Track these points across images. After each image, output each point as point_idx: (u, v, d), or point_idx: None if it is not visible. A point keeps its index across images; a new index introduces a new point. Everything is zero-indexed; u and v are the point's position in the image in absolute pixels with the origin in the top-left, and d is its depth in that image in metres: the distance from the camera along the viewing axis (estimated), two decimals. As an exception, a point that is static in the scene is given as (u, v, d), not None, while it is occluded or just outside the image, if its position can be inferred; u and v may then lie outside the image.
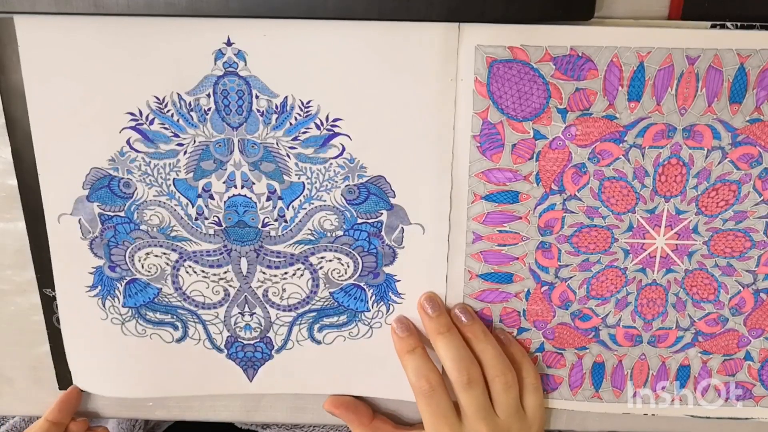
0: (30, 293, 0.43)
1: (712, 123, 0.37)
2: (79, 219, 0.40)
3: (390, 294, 0.41)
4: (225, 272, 0.41)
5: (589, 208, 0.39)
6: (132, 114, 0.37)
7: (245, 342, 0.43)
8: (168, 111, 0.37)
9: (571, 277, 0.41)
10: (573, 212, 0.39)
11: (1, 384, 0.46)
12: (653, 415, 0.44)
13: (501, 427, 0.39)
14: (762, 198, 0.39)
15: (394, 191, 0.39)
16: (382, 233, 0.40)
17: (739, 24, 0.36)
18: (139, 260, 0.41)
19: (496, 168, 0.38)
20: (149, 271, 0.41)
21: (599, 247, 0.40)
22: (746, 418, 0.44)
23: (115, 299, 0.42)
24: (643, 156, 0.38)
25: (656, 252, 0.40)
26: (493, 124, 0.37)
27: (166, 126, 0.38)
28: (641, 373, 0.43)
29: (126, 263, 0.41)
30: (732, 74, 0.36)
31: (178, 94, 0.37)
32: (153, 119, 0.38)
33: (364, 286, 0.41)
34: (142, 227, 0.40)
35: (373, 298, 0.42)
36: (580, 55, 0.36)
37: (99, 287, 0.42)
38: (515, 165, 0.38)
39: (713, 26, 0.36)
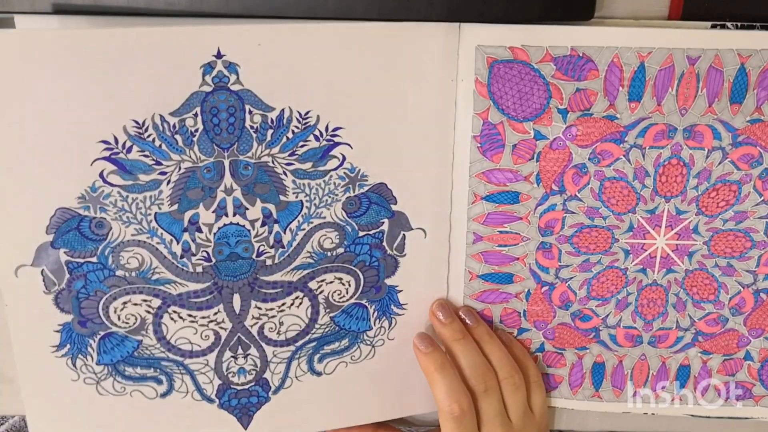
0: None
1: (712, 123, 0.37)
2: (42, 270, 0.35)
3: (392, 307, 0.41)
4: (215, 313, 0.38)
5: (589, 208, 0.39)
6: (106, 142, 0.34)
7: (239, 388, 0.40)
8: (149, 136, 0.34)
9: (571, 278, 0.41)
10: (573, 212, 0.39)
11: (1, 384, 0.45)
12: (653, 414, 0.44)
13: None
14: (762, 198, 0.39)
15: (395, 197, 0.38)
16: (384, 243, 0.39)
17: (739, 24, 0.36)
18: (115, 311, 0.37)
19: (496, 168, 0.38)
20: (127, 323, 0.37)
21: (600, 248, 0.40)
22: (746, 418, 0.44)
23: (88, 357, 0.37)
24: (643, 156, 0.38)
25: (656, 252, 0.40)
26: (494, 125, 0.37)
27: (147, 153, 0.34)
28: (641, 373, 0.43)
29: (99, 316, 0.37)
30: (732, 74, 0.36)
31: (161, 116, 0.34)
32: (131, 147, 0.34)
33: (366, 304, 0.40)
34: (118, 273, 0.36)
35: (375, 314, 0.40)
36: (581, 55, 0.36)
37: (68, 346, 0.37)
38: (516, 165, 0.38)
39: (713, 26, 0.36)
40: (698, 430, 0.45)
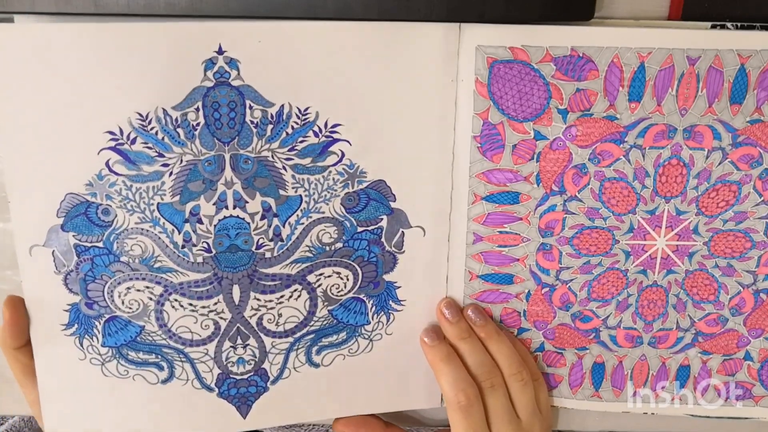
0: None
1: (712, 123, 0.37)
2: (53, 251, 0.37)
3: (390, 302, 0.41)
4: (215, 303, 0.39)
5: (589, 209, 0.39)
6: (112, 133, 0.35)
7: (238, 378, 0.40)
8: (152, 128, 0.35)
9: (572, 280, 0.41)
10: (574, 213, 0.39)
11: (1, 384, 0.45)
12: (653, 414, 0.44)
13: (525, 429, 0.39)
14: (762, 199, 0.39)
15: (394, 195, 0.38)
16: (382, 240, 0.39)
17: (739, 24, 0.36)
18: (119, 296, 0.38)
19: (496, 168, 0.38)
20: (130, 308, 0.38)
21: (600, 249, 0.40)
22: (746, 418, 0.44)
23: (94, 338, 0.39)
24: (643, 156, 0.38)
25: (657, 253, 0.40)
26: (494, 125, 0.37)
27: (150, 145, 0.35)
28: (641, 373, 0.43)
29: (104, 299, 0.38)
30: (732, 75, 0.36)
31: (164, 110, 0.35)
32: (135, 138, 0.35)
33: (364, 298, 0.40)
34: (123, 259, 0.37)
35: (373, 309, 0.41)
36: (581, 55, 0.35)
37: (75, 325, 0.38)
38: (516, 166, 0.38)
39: (713, 26, 0.36)
40: (698, 430, 0.45)
